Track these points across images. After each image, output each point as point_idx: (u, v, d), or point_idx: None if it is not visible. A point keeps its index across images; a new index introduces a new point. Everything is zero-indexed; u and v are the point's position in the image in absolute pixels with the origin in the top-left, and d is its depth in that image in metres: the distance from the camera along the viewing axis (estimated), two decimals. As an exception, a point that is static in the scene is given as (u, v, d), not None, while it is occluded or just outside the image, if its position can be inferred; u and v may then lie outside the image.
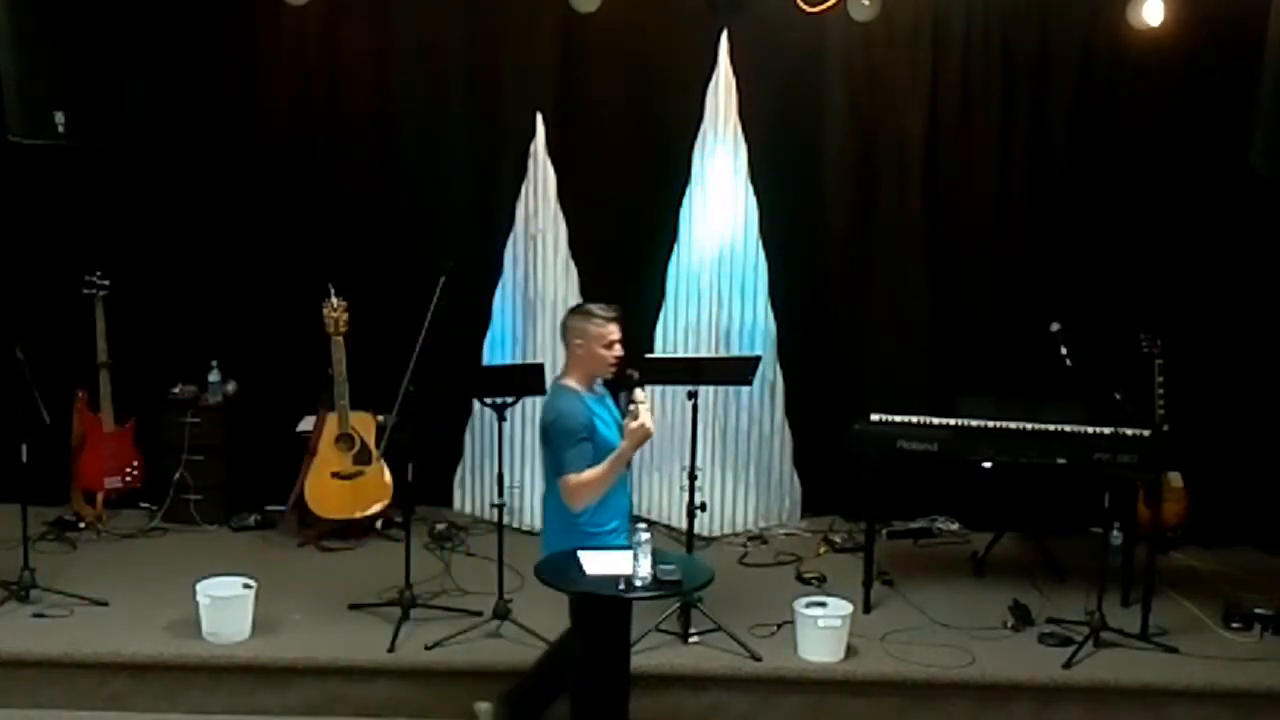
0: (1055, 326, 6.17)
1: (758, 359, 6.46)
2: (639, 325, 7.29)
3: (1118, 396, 5.94)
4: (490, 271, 7.32)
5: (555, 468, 4.94)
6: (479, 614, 5.97)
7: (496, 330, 7.37)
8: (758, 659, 5.72)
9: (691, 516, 6.04)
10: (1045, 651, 5.88)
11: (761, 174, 7.18)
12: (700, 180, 7.19)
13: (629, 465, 5.05)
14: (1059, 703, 5.67)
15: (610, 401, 5.12)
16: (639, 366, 6.26)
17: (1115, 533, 6.45)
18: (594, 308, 5.11)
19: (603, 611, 4.81)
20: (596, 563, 4.97)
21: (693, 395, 5.96)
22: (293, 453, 7.10)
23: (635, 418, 4.80)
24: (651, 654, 5.71)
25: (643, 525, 4.90)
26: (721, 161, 7.13)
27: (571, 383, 5.04)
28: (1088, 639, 5.86)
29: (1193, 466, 7.02)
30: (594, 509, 4.93)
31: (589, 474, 4.84)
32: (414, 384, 5.96)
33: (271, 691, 5.63)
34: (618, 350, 5.02)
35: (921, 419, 6.33)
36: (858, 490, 6.66)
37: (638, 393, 4.86)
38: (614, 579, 4.73)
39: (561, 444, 4.88)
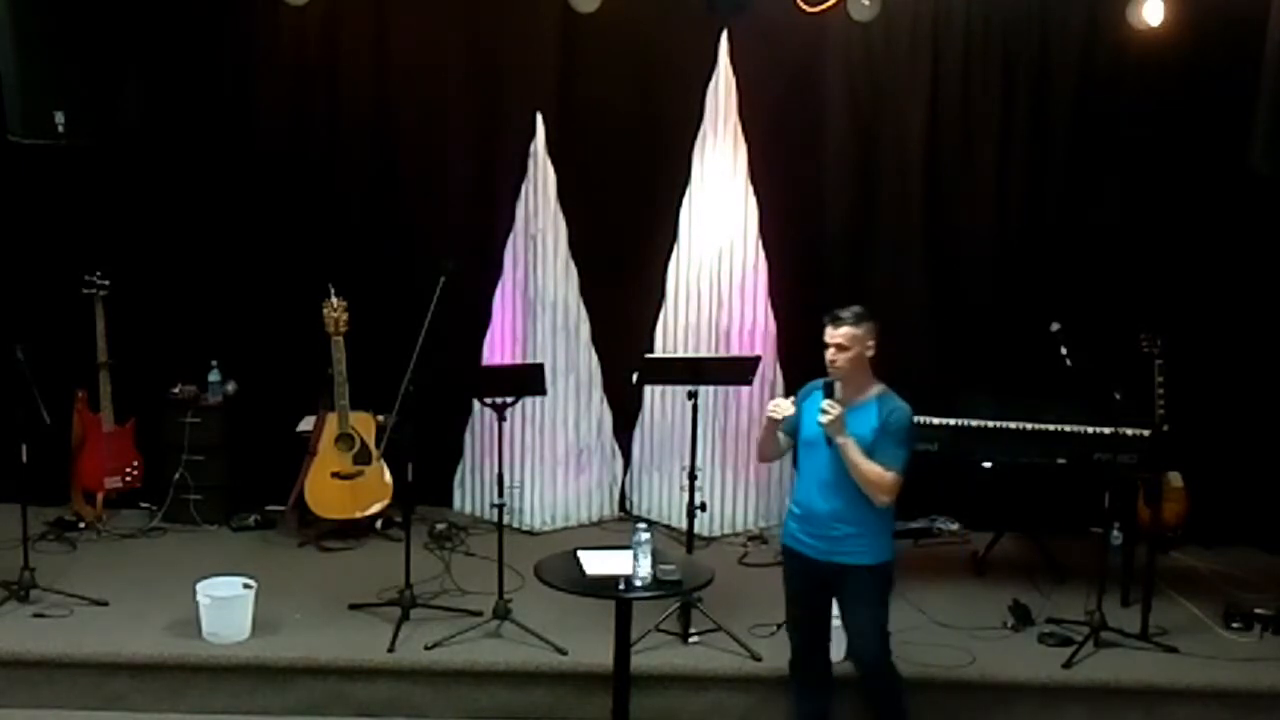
0: (1055, 326, 6.17)
1: (758, 359, 6.45)
2: (639, 325, 7.31)
3: (1118, 396, 5.94)
4: (490, 271, 7.32)
5: (898, 464, 4.85)
6: (479, 614, 5.96)
7: (496, 330, 7.37)
8: (758, 659, 5.71)
9: (691, 516, 6.03)
10: (1045, 651, 5.88)
11: (761, 174, 7.18)
12: (700, 180, 7.20)
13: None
14: (1059, 703, 5.67)
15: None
16: (639, 366, 6.34)
17: (1115, 533, 6.45)
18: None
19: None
20: (596, 562, 4.98)
21: (693, 395, 5.95)
22: (293, 453, 7.10)
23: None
24: (651, 654, 5.70)
25: (643, 525, 4.91)
26: (721, 161, 7.13)
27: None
28: (1088, 639, 5.86)
29: (1193, 466, 7.02)
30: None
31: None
32: (414, 384, 5.96)
33: (272, 691, 5.62)
34: (829, 353, 4.94)
35: (921, 419, 6.28)
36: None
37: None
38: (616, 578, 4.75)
39: (911, 442, 4.94)
